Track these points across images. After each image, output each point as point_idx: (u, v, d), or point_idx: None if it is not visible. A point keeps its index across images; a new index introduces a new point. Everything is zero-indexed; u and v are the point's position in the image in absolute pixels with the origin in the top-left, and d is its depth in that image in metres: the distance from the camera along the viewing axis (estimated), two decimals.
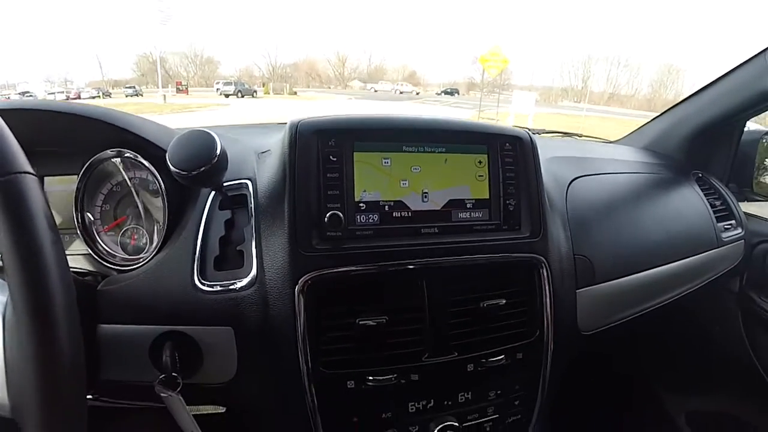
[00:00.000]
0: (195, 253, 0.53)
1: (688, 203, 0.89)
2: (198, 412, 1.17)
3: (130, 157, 0.58)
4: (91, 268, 0.60)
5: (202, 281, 0.52)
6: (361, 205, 0.54)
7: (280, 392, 0.54)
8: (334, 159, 0.53)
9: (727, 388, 1.03)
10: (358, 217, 0.54)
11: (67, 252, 0.38)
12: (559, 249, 0.64)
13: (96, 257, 0.58)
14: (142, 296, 0.51)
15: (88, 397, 0.50)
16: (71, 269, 0.37)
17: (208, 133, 0.48)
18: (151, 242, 0.60)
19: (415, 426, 0.56)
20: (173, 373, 0.48)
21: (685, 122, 1.01)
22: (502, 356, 0.58)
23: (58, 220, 0.53)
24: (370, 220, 0.54)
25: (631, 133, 1.16)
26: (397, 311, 0.53)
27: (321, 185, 0.52)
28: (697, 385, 1.07)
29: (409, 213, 0.56)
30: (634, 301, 0.74)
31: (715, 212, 0.89)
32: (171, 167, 0.47)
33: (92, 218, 0.60)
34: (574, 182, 0.77)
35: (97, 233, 0.60)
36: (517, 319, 0.60)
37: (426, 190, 0.56)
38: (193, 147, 0.47)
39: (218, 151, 0.47)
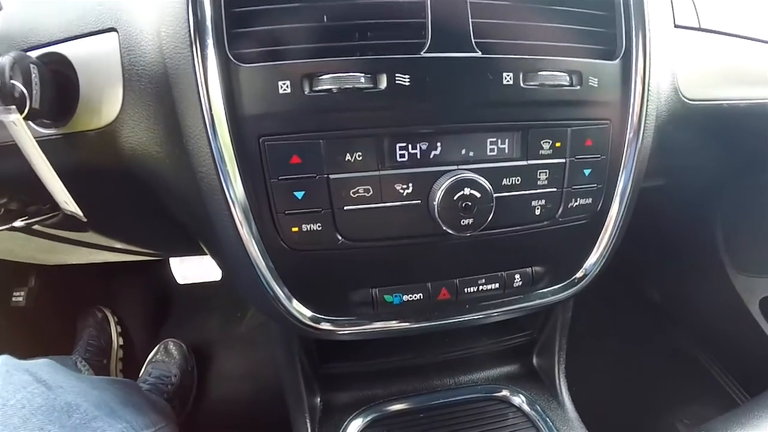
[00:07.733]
0: None
1: None
2: (192, 281, 1.01)
3: None
4: None
5: None
6: None
7: (172, 128, 0.32)
8: None
9: None
10: None
11: None
12: None
13: None
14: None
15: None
16: None
17: None
18: None
19: (406, 185, 0.32)
20: (12, 81, 0.29)
21: None
22: (565, 74, 0.33)
23: None
24: None
25: None
26: None
27: None
28: None
29: None
30: (746, 76, 0.49)
31: None
32: None
33: None
34: None
35: None
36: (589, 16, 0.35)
37: None
38: None
39: None
